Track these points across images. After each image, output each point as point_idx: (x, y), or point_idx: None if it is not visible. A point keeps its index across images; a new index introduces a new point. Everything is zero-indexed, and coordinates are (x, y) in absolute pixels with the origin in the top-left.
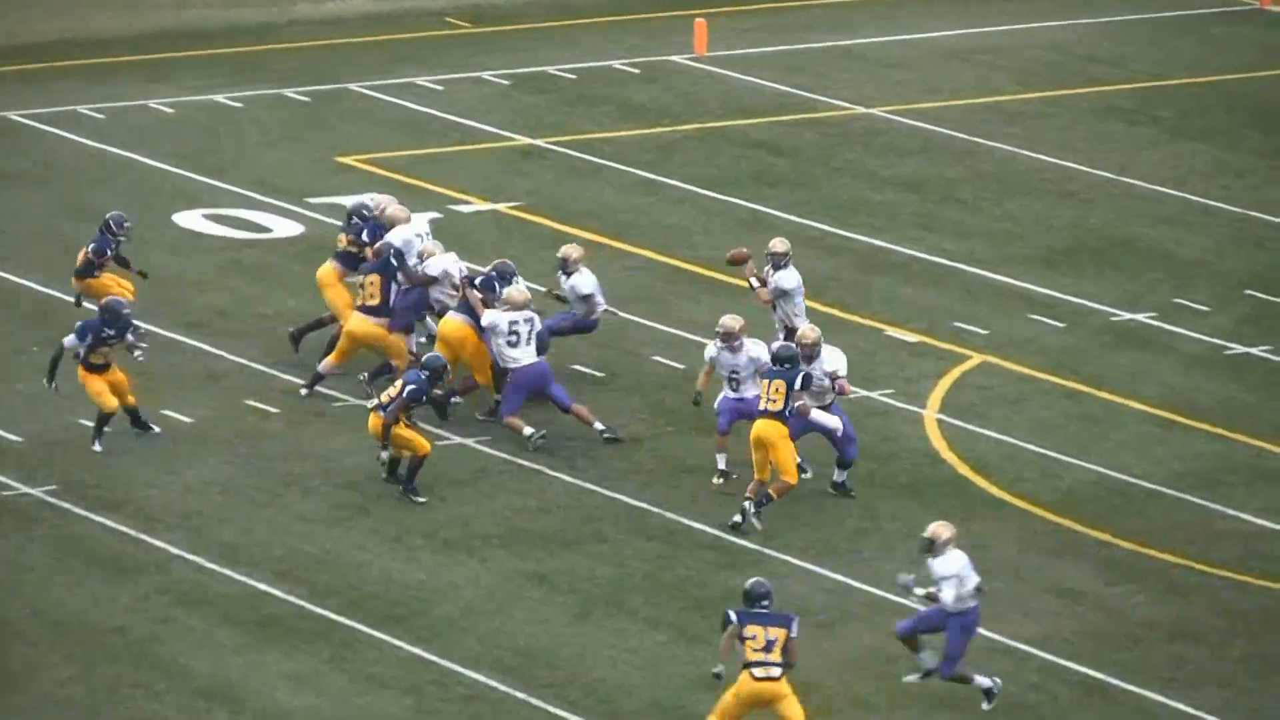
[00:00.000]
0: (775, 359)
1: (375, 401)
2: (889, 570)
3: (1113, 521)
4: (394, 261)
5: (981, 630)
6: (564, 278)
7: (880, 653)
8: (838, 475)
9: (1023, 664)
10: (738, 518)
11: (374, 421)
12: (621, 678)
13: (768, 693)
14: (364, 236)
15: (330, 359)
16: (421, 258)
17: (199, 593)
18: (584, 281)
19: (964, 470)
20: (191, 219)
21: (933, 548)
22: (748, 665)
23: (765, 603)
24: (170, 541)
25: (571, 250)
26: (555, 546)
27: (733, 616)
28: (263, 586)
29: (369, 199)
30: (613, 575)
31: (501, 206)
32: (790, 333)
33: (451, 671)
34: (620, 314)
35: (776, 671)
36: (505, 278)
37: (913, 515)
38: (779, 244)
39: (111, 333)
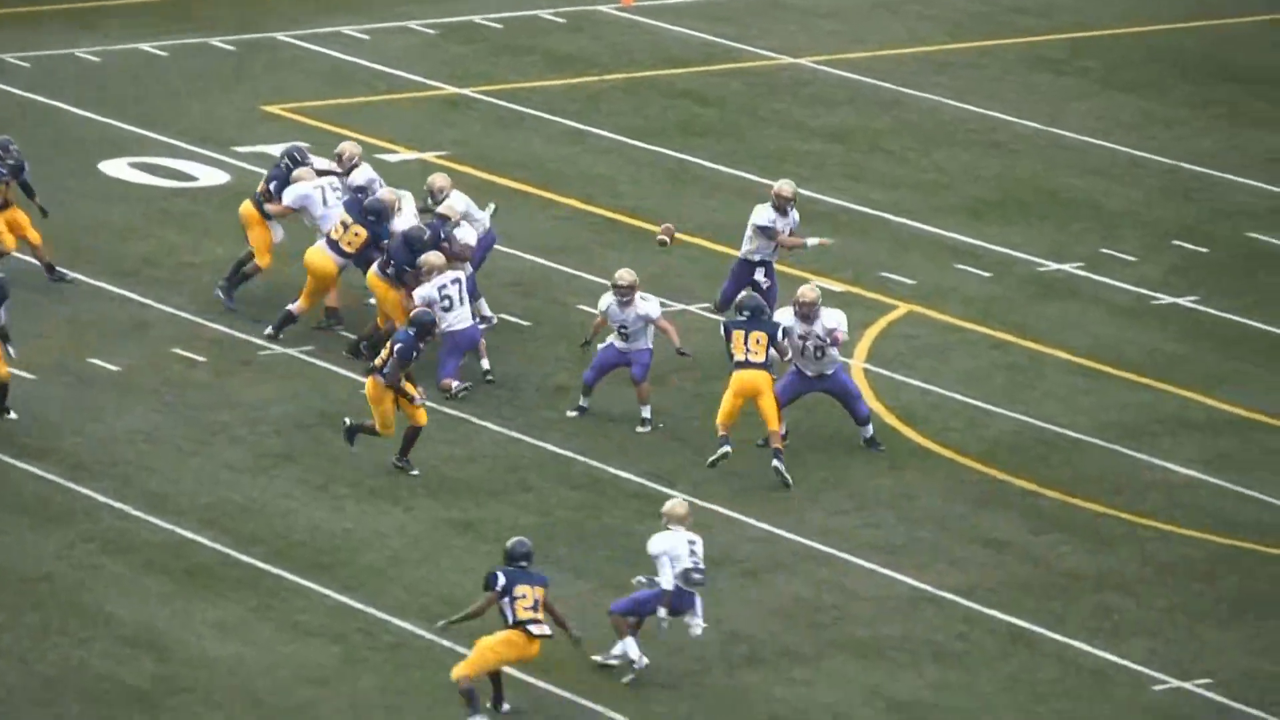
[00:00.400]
0: (740, 307)
1: (371, 365)
2: (815, 520)
3: (1039, 471)
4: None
5: (909, 580)
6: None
7: (808, 602)
8: (866, 432)
9: (949, 613)
10: (784, 473)
11: (371, 387)
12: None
13: (535, 651)
14: (273, 186)
15: (300, 301)
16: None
17: (125, 540)
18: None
19: (890, 420)
20: (118, 168)
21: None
22: (520, 624)
23: (525, 562)
24: (97, 489)
25: (438, 179)
26: (481, 495)
27: (500, 577)
28: (189, 534)
29: (347, 148)
30: (538, 524)
31: (428, 156)
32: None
33: (378, 620)
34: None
35: (548, 630)
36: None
37: (840, 465)
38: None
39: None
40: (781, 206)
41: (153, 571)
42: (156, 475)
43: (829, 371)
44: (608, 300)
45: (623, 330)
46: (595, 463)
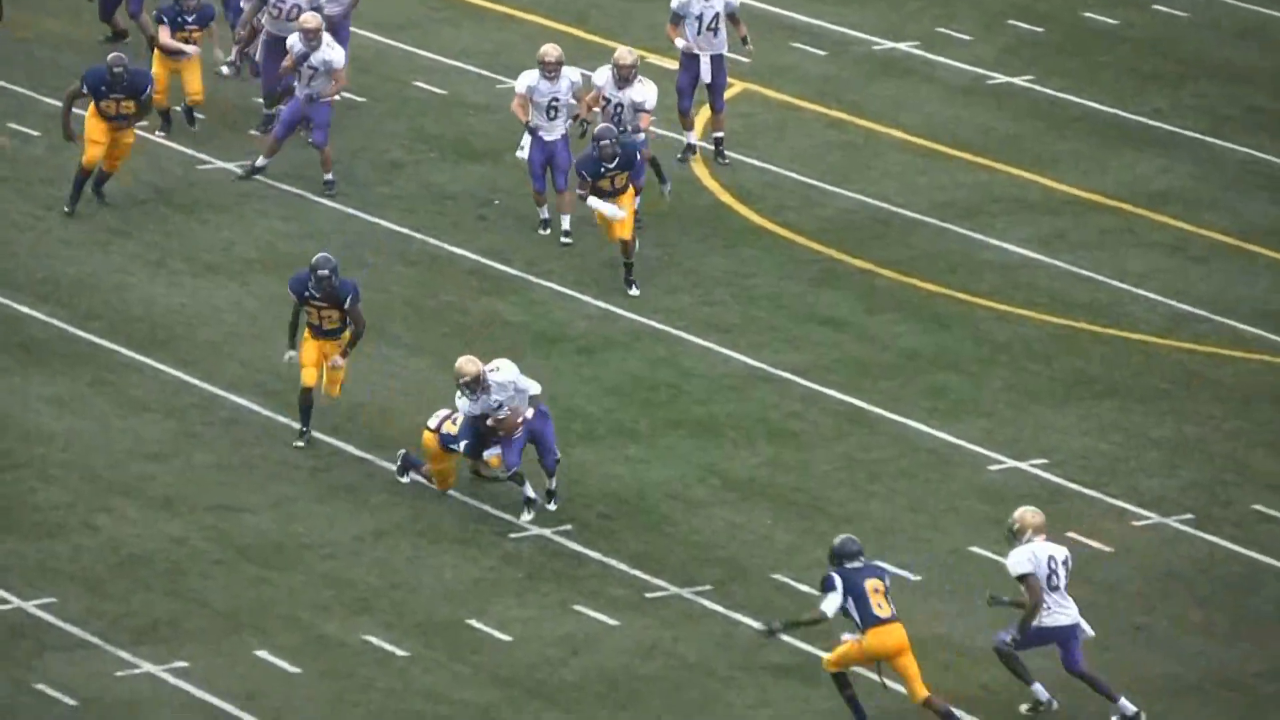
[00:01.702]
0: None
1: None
2: (648, 297)
3: (875, 250)
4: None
5: (745, 358)
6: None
7: (643, 380)
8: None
9: (785, 391)
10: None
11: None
12: (383, 402)
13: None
14: None
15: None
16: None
17: None
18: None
19: (725, 198)
20: None
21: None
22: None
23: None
24: None
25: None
26: None
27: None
28: (24, 309)
29: None
30: (375, 301)
31: None
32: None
33: (214, 395)
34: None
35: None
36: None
37: (673, 243)
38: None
39: None
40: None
41: None
42: None
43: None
44: (531, 78)
45: (553, 105)
46: (432, 240)
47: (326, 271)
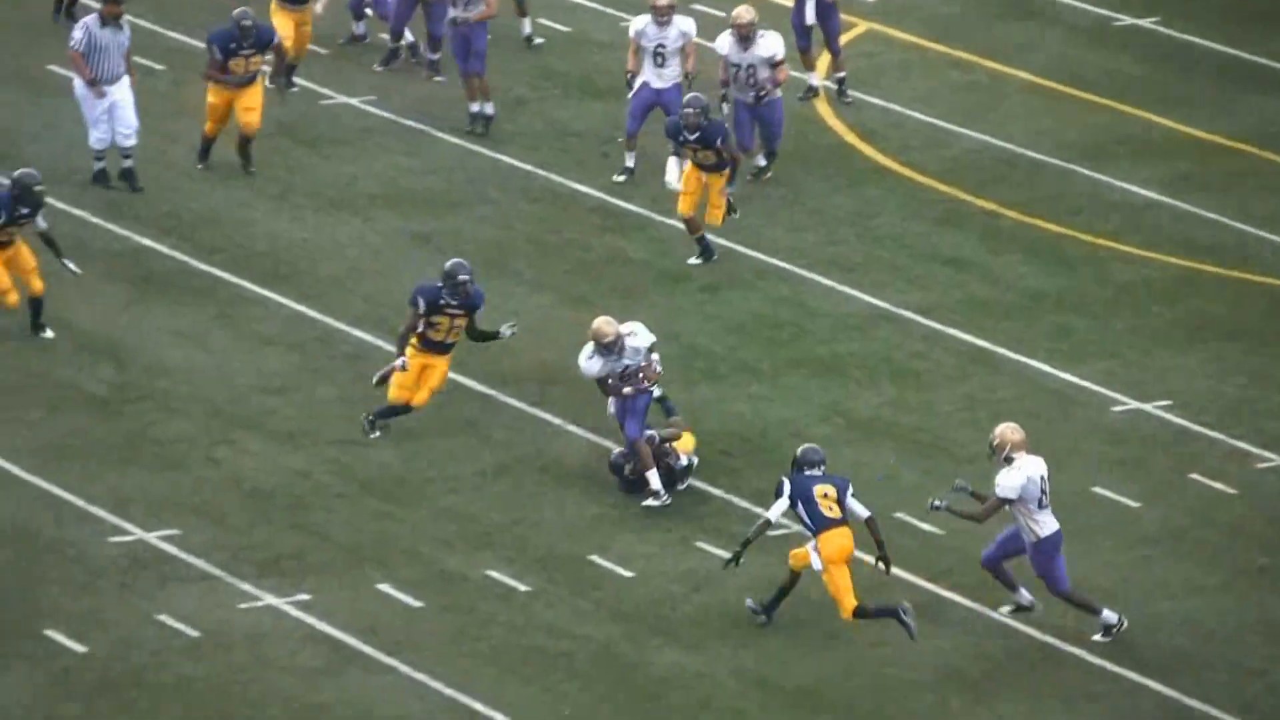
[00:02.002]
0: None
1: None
2: (775, 238)
3: (999, 191)
4: None
5: (868, 297)
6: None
7: (764, 319)
8: (763, 161)
9: (908, 331)
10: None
11: None
12: (506, 339)
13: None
14: None
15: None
16: None
17: (84, 249)
18: None
19: (850, 138)
20: None
21: None
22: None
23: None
24: (56, 196)
25: None
26: (440, 207)
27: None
28: (148, 243)
29: None
30: (497, 237)
31: None
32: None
33: (336, 329)
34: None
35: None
36: None
37: (798, 182)
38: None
39: (25, 211)
40: None
41: (112, 280)
42: (115, 183)
43: (767, 99)
44: (641, 23)
45: (659, 51)
46: (556, 176)
47: (466, 276)
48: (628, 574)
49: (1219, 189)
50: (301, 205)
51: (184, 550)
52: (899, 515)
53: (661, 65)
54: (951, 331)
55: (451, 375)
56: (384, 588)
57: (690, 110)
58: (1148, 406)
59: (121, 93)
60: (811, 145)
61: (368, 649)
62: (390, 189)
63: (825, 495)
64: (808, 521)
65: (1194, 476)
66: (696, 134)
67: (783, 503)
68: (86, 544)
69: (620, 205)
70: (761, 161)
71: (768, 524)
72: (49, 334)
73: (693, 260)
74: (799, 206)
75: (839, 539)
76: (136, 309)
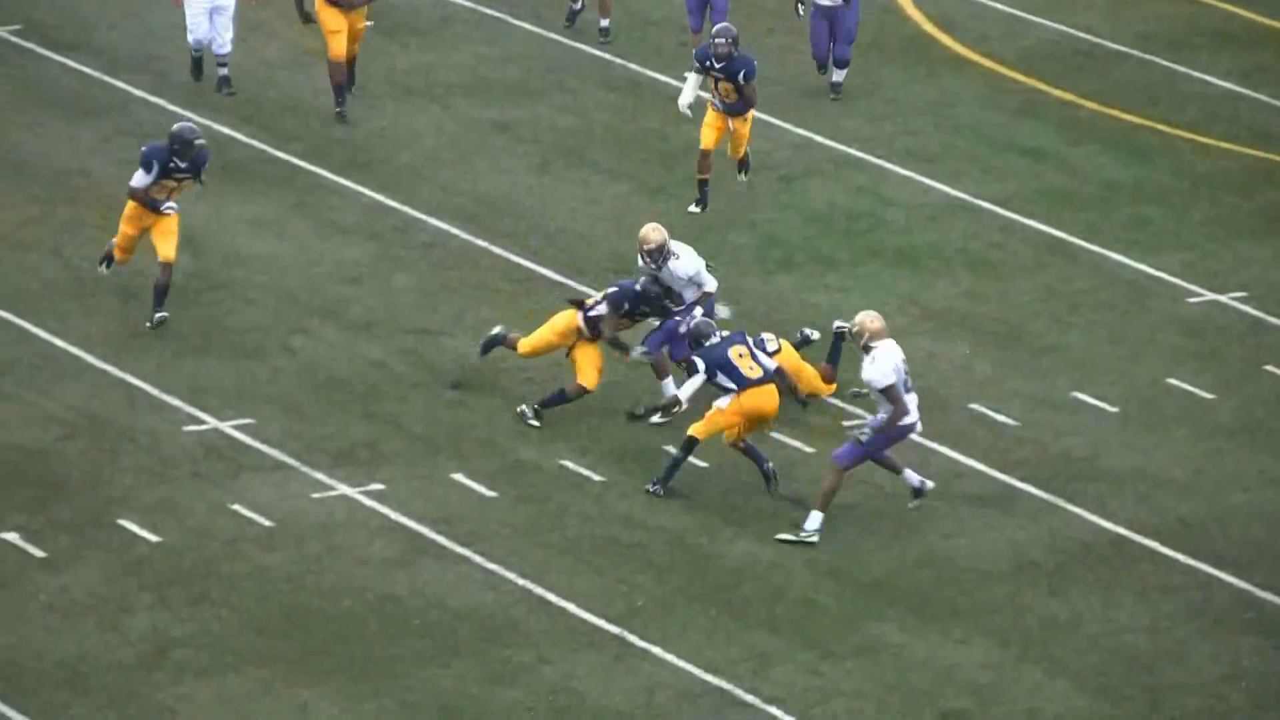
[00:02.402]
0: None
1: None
2: (852, 126)
3: (1077, 81)
4: None
5: (944, 188)
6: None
7: (843, 209)
8: (835, 76)
9: (985, 222)
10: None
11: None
12: (582, 228)
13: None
14: None
15: None
16: None
17: (161, 135)
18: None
19: (928, 27)
20: None
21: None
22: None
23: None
24: (132, 84)
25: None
26: (518, 96)
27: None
28: (226, 130)
29: None
30: (575, 125)
31: None
32: None
33: (413, 218)
34: None
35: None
36: None
37: (875, 72)
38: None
39: (183, 166)
40: None
41: None
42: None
43: (839, 4)
44: None
45: None
46: (634, 65)
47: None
48: (703, 464)
49: None
50: (380, 94)
51: (258, 440)
52: (974, 406)
53: None
54: (1028, 222)
55: (527, 264)
56: (458, 477)
57: (720, 40)
58: (1223, 298)
59: (223, 1)
60: (890, 34)
61: (441, 539)
62: (468, 78)
63: (741, 355)
64: (732, 387)
65: (1269, 368)
66: (723, 64)
67: (698, 379)
68: (161, 433)
69: (700, 95)
70: (836, 77)
71: (677, 401)
72: (163, 315)
73: (692, 208)
74: (876, 96)
75: (767, 394)
76: (213, 197)
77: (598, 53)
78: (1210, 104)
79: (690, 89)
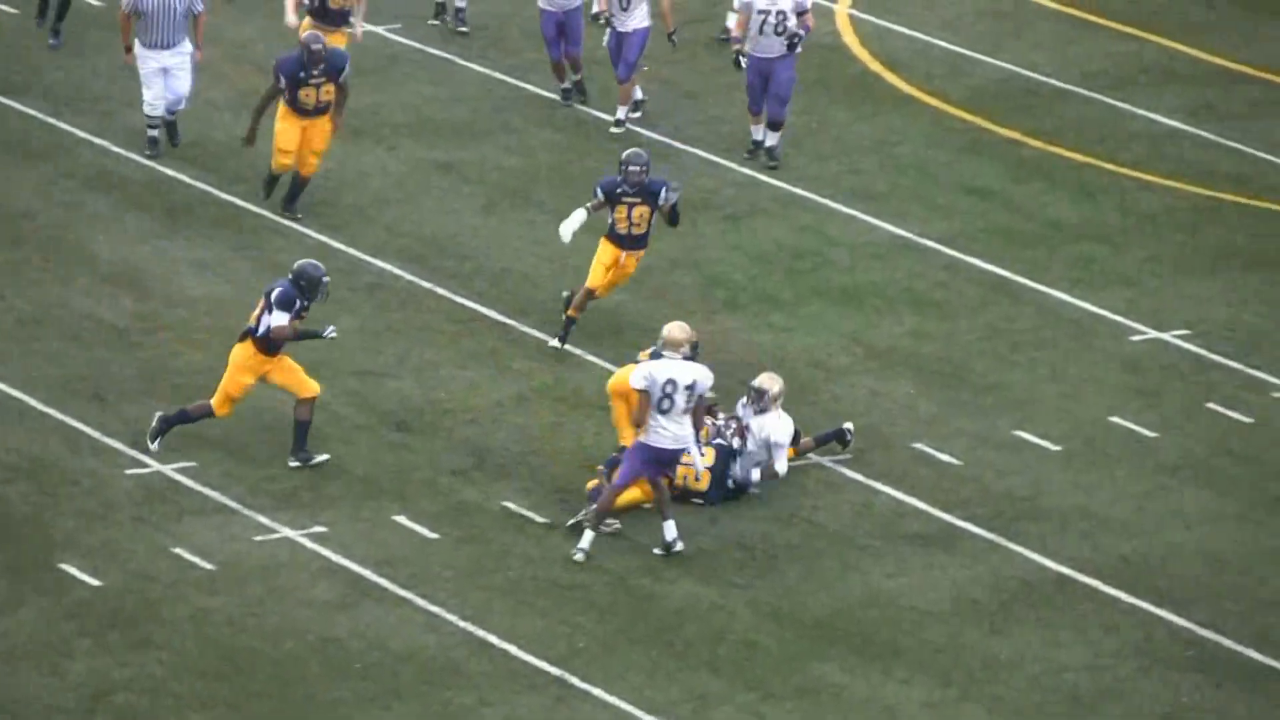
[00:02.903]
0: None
1: None
2: (798, 167)
3: (1022, 120)
4: None
5: (890, 226)
6: None
7: (788, 248)
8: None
9: (930, 260)
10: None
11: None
12: (528, 268)
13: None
14: None
15: None
16: None
17: (106, 178)
18: None
19: (875, 66)
20: None
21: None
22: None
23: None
24: (78, 126)
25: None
26: (464, 137)
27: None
28: (170, 172)
29: None
30: (521, 166)
31: None
32: None
33: (358, 260)
34: None
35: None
36: None
37: (822, 110)
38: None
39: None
40: None
41: (133, 209)
42: (138, 112)
43: (778, 56)
44: None
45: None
46: (579, 106)
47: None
48: (644, 506)
49: (1242, 117)
50: None
51: (200, 483)
52: (917, 445)
53: (626, 8)
54: (973, 260)
55: (471, 305)
56: (400, 519)
57: (635, 169)
58: (1166, 336)
59: (178, 60)
60: (835, 73)
61: (383, 581)
62: (414, 118)
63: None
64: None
65: (1211, 406)
66: (637, 189)
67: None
68: (103, 476)
69: (643, 134)
70: (771, 141)
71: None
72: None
73: (552, 343)
74: (823, 135)
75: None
76: (158, 239)
77: (543, 92)
78: (1155, 142)
79: (576, 222)
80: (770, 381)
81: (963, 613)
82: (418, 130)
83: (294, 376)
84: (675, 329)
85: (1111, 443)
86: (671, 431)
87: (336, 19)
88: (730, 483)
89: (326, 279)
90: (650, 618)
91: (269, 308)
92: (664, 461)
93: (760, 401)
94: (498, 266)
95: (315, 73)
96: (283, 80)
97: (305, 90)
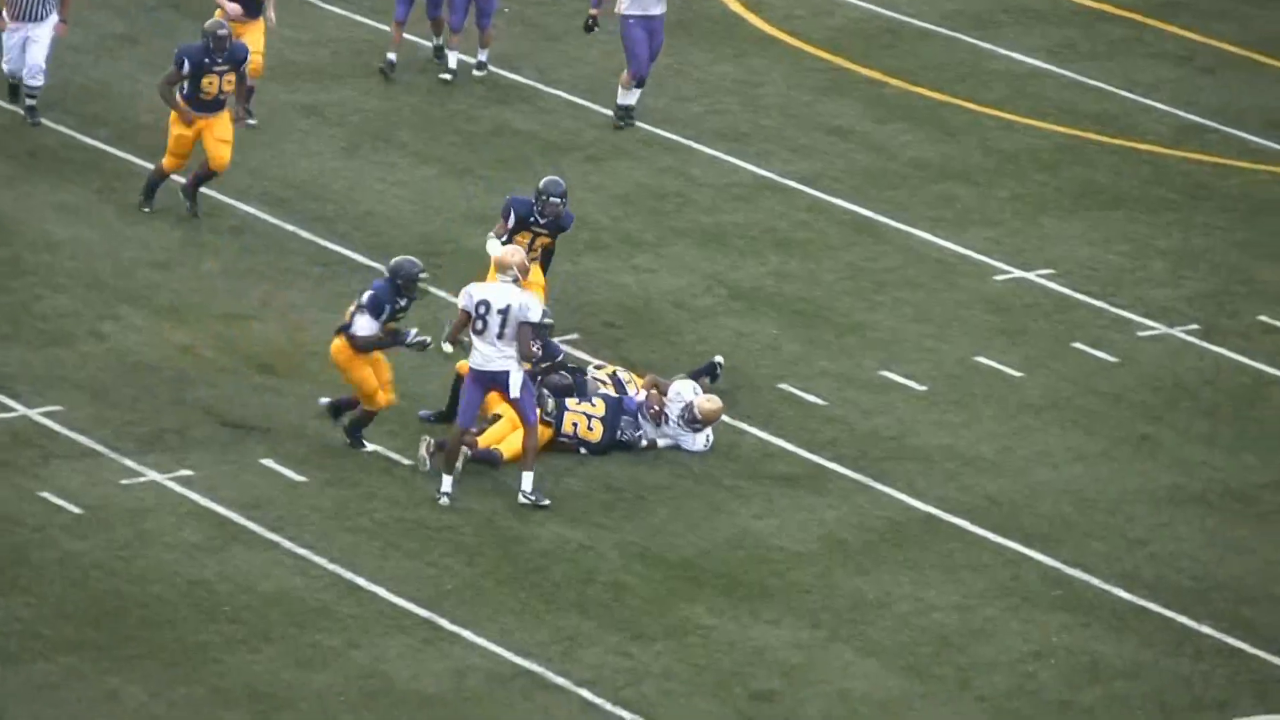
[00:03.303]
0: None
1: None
2: (660, 108)
3: (883, 60)
4: None
5: (752, 167)
6: None
7: (650, 189)
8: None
9: (792, 201)
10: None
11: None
12: (390, 211)
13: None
14: None
15: None
16: None
17: None
18: None
19: (734, 6)
20: None
21: None
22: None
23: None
24: None
25: None
26: (326, 79)
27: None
28: None
29: None
30: (382, 109)
31: None
32: None
33: (221, 203)
34: None
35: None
36: None
37: (682, 51)
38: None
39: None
40: None
41: None
42: None
43: (660, 14)
44: None
45: None
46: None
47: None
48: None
49: (1103, 56)
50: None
51: (66, 426)
52: (782, 386)
53: None
54: (836, 201)
55: (333, 247)
56: (267, 463)
57: (556, 200)
58: (1030, 275)
59: (40, 32)
60: (697, 15)
61: (251, 524)
62: (275, 60)
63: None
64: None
65: (1076, 345)
66: (549, 220)
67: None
68: None
69: (506, 76)
70: (633, 101)
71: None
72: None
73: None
74: (684, 76)
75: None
76: (20, 184)
77: (407, 36)
78: (1017, 81)
79: (495, 249)
80: (709, 405)
81: (830, 553)
82: (279, 73)
83: (381, 379)
84: (507, 251)
85: (977, 382)
86: (482, 352)
87: (255, 10)
88: (619, 434)
89: (424, 275)
90: (518, 559)
91: (360, 309)
92: (481, 383)
93: (691, 418)
94: (360, 209)
95: (220, 59)
96: (187, 66)
97: (209, 78)
